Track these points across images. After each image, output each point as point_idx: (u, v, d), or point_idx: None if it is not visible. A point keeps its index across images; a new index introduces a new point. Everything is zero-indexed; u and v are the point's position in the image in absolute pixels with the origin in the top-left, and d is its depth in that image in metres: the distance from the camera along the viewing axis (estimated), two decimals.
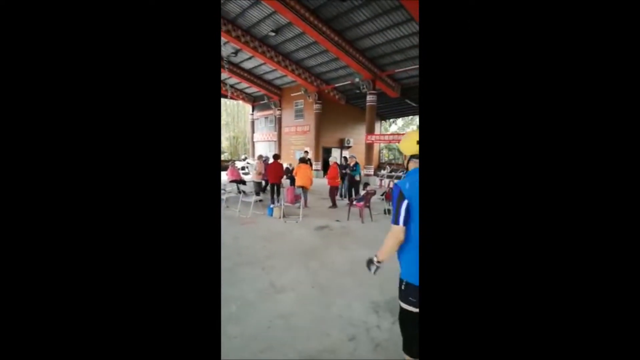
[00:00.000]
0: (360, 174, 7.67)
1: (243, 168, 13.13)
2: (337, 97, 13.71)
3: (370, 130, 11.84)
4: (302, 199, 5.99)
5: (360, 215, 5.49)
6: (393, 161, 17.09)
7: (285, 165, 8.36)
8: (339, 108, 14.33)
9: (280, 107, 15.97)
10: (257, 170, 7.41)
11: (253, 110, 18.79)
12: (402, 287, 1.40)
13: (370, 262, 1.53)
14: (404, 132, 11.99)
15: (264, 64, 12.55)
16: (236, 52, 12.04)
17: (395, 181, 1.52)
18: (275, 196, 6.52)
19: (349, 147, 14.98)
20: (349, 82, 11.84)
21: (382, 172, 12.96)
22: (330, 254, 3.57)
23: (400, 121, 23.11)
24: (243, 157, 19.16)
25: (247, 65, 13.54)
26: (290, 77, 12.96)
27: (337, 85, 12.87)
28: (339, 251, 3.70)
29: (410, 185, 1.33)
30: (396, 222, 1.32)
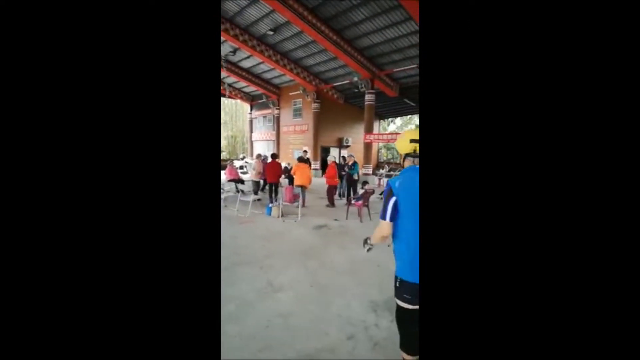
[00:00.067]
0: (358, 173, 7.68)
1: (241, 167, 13.11)
2: (335, 96, 13.70)
3: (369, 130, 11.85)
4: (301, 198, 5.99)
5: (359, 214, 5.50)
6: (391, 160, 17.11)
7: (283, 165, 8.35)
8: (337, 107, 14.32)
9: (278, 106, 15.95)
10: (256, 170, 7.40)
11: (251, 109, 18.75)
12: (397, 285, 1.41)
13: (365, 241, 1.60)
14: (402, 132, 12.01)
15: (262, 62, 12.52)
16: (234, 51, 11.99)
17: None
18: (273, 195, 6.52)
19: (347, 147, 14.99)
20: (348, 81, 11.84)
21: (381, 171, 12.98)
22: (329, 253, 3.57)
23: (398, 120, 23.15)
24: (241, 156, 19.12)
25: (246, 64, 13.50)
26: (288, 76, 12.94)
27: (335, 84, 12.86)
28: (338, 250, 3.70)
29: (401, 183, 1.37)
30: (383, 217, 1.38)
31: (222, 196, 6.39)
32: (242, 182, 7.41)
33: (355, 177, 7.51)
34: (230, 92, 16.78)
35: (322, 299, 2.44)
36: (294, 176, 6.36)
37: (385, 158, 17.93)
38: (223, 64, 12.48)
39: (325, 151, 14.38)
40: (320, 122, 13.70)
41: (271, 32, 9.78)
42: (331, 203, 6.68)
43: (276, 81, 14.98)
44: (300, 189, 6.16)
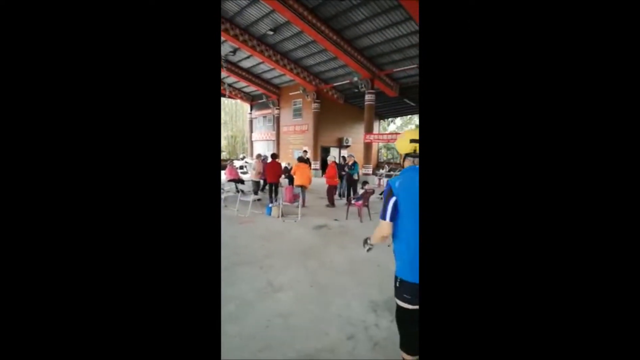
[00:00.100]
0: (358, 173, 7.68)
1: (241, 167, 13.11)
2: (335, 96, 13.70)
3: (369, 130, 11.85)
4: (301, 198, 5.99)
5: (359, 214, 5.50)
6: (392, 160, 17.12)
7: (283, 165, 8.36)
8: (337, 107, 14.32)
9: (278, 106, 15.95)
10: (256, 170, 7.40)
11: (251, 109, 18.75)
12: (397, 285, 1.42)
13: (365, 241, 1.61)
14: (402, 132, 12.02)
15: (262, 62, 12.52)
16: (234, 51, 12.00)
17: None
18: (273, 195, 6.52)
19: (347, 147, 14.99)
20: (348, 81, 11.84)
21: (381, 171, 12.98)
22: (329, 253, 3.57)
23: (398, 120, 23.15)
24: (241, 156, 19.13)
25: (246, 64, 13.50)
26: (288, 76, 12.94)
27: (335, 84, 12.86)
28: (338, 250, 3.70)
29: (401, 183, 1.37)
30: (383, 217, 1.38)
31: (222, 196, 6.39)
32: (242, 182, 7.42)
33: (355, 177, 7.51)
34: (230, 92, 16.78)
35: (322, 298, 2.44)
36: (294, 176, 6.36)
37: (385, 158, 17.93)
38: (223, 64, 12.48)
39: (325, 151, 14.38)
40: (320, 122, 13.70)
41: (271, 32, 9.78)
42: (331, 203, 6.68)
43: (276, 81, 14.98)
44: (300, 189, 6.16)
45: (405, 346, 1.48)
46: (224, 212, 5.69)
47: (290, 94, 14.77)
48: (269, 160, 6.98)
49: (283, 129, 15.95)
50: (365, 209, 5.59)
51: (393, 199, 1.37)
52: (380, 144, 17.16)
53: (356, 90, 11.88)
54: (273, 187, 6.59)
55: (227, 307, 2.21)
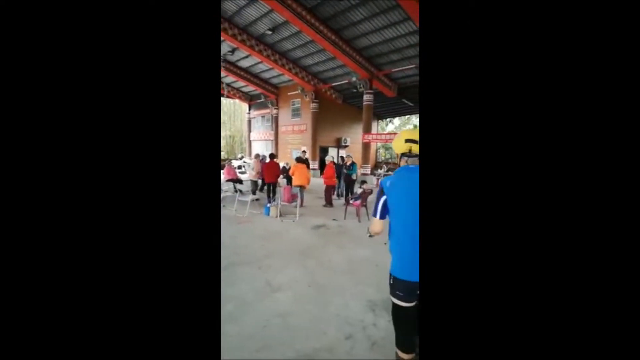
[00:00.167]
0: (356, 174, 7.68)
1: (240, 167, 13.09)
2: (334, 96, 13.70)
3: (367, 130, 11.85)
4: (299, 198, 5.99)
5: (357, 214, 5.50)
6: (390, 160, 17.14)
7: (282, 165, 8.35)
8: (336, 107, 14.32)
9: (277, 106, 15.93)
10: (255, 170, 7.39)
11: (250, 109, 18.71)
12: (391, 282, 1.45)
13: (368, 228, 1.67)
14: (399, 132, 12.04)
15: (260, 62, 12.49)
16: (233, 51, 11.96)
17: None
18: (271, 195, 6.51)
19: (346, 147, 14.99)
20: (346, 81, 11.84)
21: (379, 171, 12.99)
22: (327, 253, 3.58)
23: (397, 120, 23.18)
24: (240, 156, 19.09)
25: (244, 63, 13.47)
26: (287, 76, 12.93)
27: (334, 84, 12.86)
28: (336, 250, 3.70)
29: (392, 183, 1.41)
30: (374, 214, 1.47)
31: (221, 196, 6.38)
32: (240, 182, 7.41)
33: (354, 177, 7.52)
34: (228, 91, 16.73)
35: (321, 298, 2.44)
36: (293, 177, 6.35)
37: (383, 158, 17.96)
38: (222, 63, 12.45)
39: (324, 151, 14.37)
40: (319, 122, 13.69)
41: (270, 32, 9.76)
42: (329, 203, 6.68)
43: (275, 81, 14.95)
44: (298, 189, 6.16)
45: (400, 343, 1.49)
46: (223, 212, 5.68)
47: (289, 93, 14.75)
48: (267, 160, 6.97)
49: (281, 128, 15.93)
50: (363, 209, 5.59)
51: (383, 198, 1.42)
52: (379, 144, 17.20)
53: (354, 90, 11.88)
54: (271, 187, 6.59)
55: (226, 307, 2.21)
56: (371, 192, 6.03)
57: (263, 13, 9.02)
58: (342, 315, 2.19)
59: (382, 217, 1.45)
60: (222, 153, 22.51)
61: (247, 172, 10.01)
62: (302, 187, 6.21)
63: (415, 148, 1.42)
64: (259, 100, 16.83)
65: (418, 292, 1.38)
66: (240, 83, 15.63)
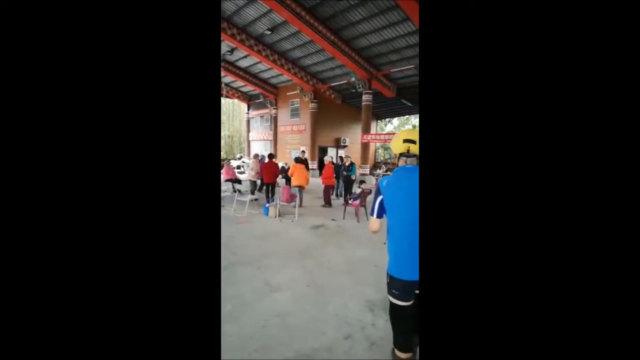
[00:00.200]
0: (356, 175, 7.69)
1: (239, 167, 13.08)
2: (333, 96, 13.70)
3: (366, 130, 11.87)
4: (298, 198, 5.99)
5: (356, 214, 5.51)
6: (389, 160, 17.16)
7: (280, 165, 8.35)
8: (335, 107, 14.32)
9: (276, 106, 15.92)
10: (254, 170, 7.38)
11: (248, 109, 18.70)
12: (388, 281, 1.46)
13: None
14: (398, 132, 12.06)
15: (259, 62, 12.49)
16: (232, 51, 11.95)
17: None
18: (270, 195, 6.51)
19: (345, 147, 15.00)
20: (345, 81, 11.85)
21: (378, 171, 13.01)
22: (326, 253, 3.57)
23: (395, 120, 23.21)
24: (239, 156, 19.07)
25: (243, 63, 13.46)
26: (286, 76, 12.92)
27: (333, 84, 12.86)
28: (335, 250, 3.70)
29: (388, 183, 1.44)
30: (371, 213, 1.51)
31: None
32: (239, 181, 7.40)
33: (353, 177, 7.53)
34: (227, 91, 16.71)
35: (319, 298, 2.44)
36: (292, 177, 6.35)
37: (382, 158, 17.98)
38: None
39: (323, 151, 14.38)
40: (318, 122, 13.69)
41: (269, 32, 9.76)
42: (328, 203, 6.68)
43: (273, 81, 14.95)
44: (297, 189, 6.16)
45: (398, 343, 1.50)
46: (221, 212, 5.67)
47: (288, 93, 14.74)
48: (266, 160, 6.96)
49: (280, 128, 15.92)
50: (362, 209, 5.60)
51: (380, 198, 1.45)
52: (378, 144, 17.21)
53: (353, 91, 11.89)
54: (270, 187, 6.58)
55: (225, 307, 2.20)
56: (370, 192, 6.03)
57: (262, 13, 9.02)
58: (340, 315, 2.19)
59: (379, 216, 1.48)
60: (221, 153, 22.45)
61: (246, 172, 10.00)
62: (301, 187, 6.21)
63: (413, 148, 1.43)
64: (257, 100, 16.81)
65: (416, 291, 1.40)
66: (239, 83, 15.61)
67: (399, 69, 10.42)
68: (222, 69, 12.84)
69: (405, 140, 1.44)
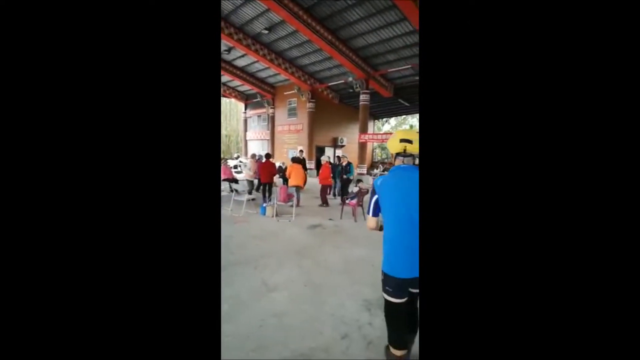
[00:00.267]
0: (353, 175, 7.70)
1: (236, 167, 13.05)
2: (330, 96, 13.70)
3: (364, 130, 11.88)
4: (295, 197, 5.98)
5: (353, 213, 5.51)
6: (386, 160, 17.19)
7: (278, 164, 8.33)
8: (332, 107, 14.32)
9: (273, 105, 15.89)
10: (251, 170, 7.36)
11: (246, 109, 18.65)
12: (382, 278, 1.48)
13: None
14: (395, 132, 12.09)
15: (256, 61, 12.46)
16: (229, 50, 11.91)
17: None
18: (267, 195, 6.50)
19: (342, 146, 15.01)
20: (343, 81, 11.85)
21: (375, 170, 13.04)
22: (323, 253, 3.58)
23: (393, 120, 23.25)
24: (236, 155, 19.01)
25: (240, 62, 13.42)
26: (283, 76, 12.90)
27: (330, 84, 12.86)
28: (332, 250, 3.71)
29: (382, 182, 1.47)
30: (368, 212, 1.56)
31: None
32: (236, 181, 7.38)
33: (351, 177, 7.53)
34: (224, 90, 16.66)
35: (316, 298, 2.44)
36: (289, 178, 6.34)
37: (379, 158, 18.02)
38: None
39: (320, 151, 14.37)
40: (315, 121, 13.69)
41: (266, 31, 9.74)
42: (325, 203, 6.69)
43: (271, 80, 14.92)
44: (295, 189, 6.16)
45: (392, 340, 1.52)
46: None
47: (285, 93, 14.73)
48: (264, 160, 6.95)
49: (278, 128, 15.90)
50: (359, 209, 5.60)
51: (375, 197, 1.50)
52: (375, 144, 17.24)
53: (351, 90, 11.91)
54: (267, 187, 6.57)
55: (222, 307, 2.20)
56: (367, 191, 6.04)
57: (259, 12, 9.00)
58: (337, 314, 2.19)
59: (375, 214, 1.52)
60: None
61: (243, 171, 9.97)
62: (298, 187, 6.21)
63: (410, 148, 1.44)
64: (255, 100, 16.78)
65: (409, 289, 1.44)
66: (236, 82, 15.57)
67: (396, 68, 10.44)
68: None
69: (402, 140, 1.45)
